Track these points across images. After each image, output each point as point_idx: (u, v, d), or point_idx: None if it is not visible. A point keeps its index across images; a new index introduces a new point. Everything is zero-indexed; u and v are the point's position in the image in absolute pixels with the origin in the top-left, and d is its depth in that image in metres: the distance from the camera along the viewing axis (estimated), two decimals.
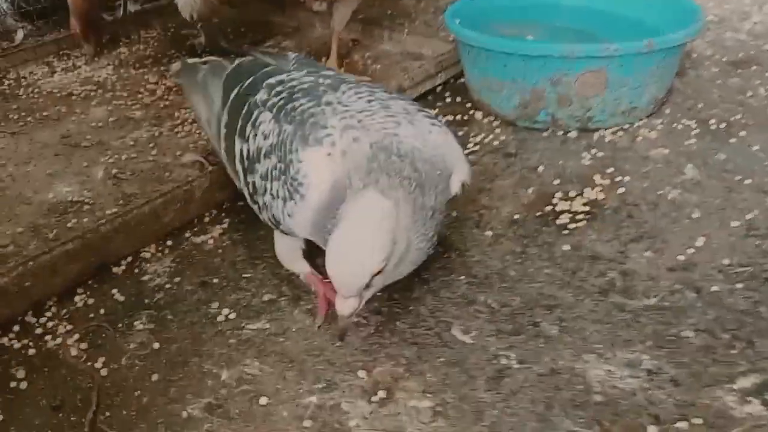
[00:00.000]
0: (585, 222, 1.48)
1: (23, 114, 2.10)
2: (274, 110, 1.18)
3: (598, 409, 1.07)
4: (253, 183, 1.20)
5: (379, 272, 1.01)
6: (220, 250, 1.46)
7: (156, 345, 1.23)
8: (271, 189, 1.16)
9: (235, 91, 1.28)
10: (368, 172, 1.05)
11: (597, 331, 1.21)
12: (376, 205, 1.01)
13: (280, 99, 1.18)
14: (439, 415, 1.07)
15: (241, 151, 1.21)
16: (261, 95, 1.21)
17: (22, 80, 2.37)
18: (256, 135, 1.18)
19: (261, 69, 1.30)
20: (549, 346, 1.18)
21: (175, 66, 1.60)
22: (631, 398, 1.07)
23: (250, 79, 1.27)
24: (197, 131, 1.93)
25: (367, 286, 1.03)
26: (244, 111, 1.22)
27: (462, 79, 2.16)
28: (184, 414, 1.10)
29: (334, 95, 1.18)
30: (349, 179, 1.06)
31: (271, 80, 1.24)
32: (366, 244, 1.00)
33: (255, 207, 1.23)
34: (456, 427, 1.05)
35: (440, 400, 1.10)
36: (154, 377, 1.17)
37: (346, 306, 1.04)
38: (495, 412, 1.07)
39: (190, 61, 1.53)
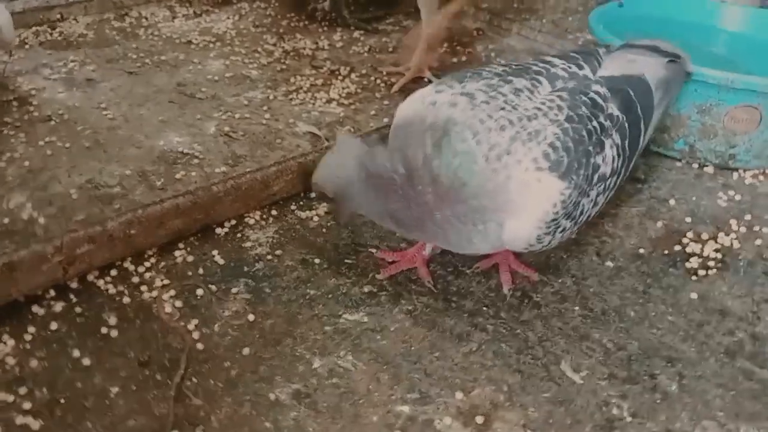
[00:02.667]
0: (716, 271, 1.36)
1: (141, 55, 2.10)
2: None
3: None
4: None
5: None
6: (323, 230, 1.41)
7: (251, 317, 1.19)
8: None
9: None
10: (408, 142, 1.09)
11: (720, 396, 1.10)
12: (356, 151, 1.13)
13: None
14: None
15: None
16: None
17: (143, 20, 2.38)
18: None
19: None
20: (666, 404, 1.08)
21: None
22: None
23: None
24: (311, 100, 1.88)
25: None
26: None
27: None
28: (272, 396, 1.05)
29: (522, 82, 1.15)
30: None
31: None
32: (322, 167, 1.18)
33: None
34: None
35: None
36: (246, 351, 1.12)
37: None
38: None
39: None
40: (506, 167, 1.04)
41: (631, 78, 1.26)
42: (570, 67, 1.21)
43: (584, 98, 1.14)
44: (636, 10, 2.00)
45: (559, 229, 1.10)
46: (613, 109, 1.17)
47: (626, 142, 1.18)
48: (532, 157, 1.05)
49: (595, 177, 1.11)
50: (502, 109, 1.08)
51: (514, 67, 1.20)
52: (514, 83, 1.13)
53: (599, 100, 1.16)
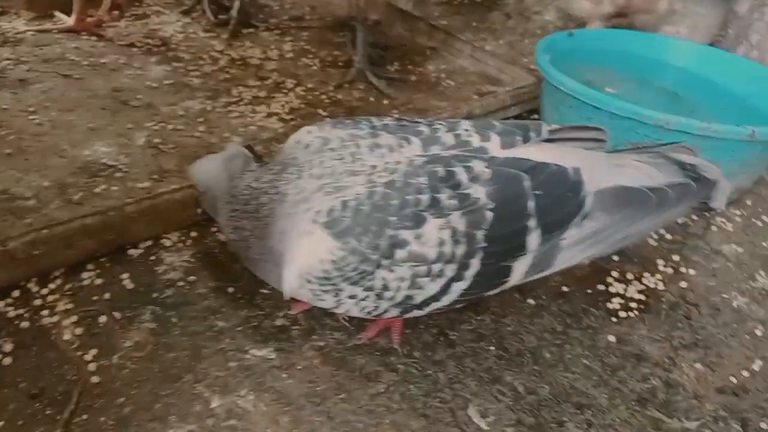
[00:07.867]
0: (637, 313, 1.35)
1: (80, 57, 2.04)
2: None
3: None
4: None
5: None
6: None
7: (153, 349, 1.14)
8: None
9: None
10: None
11: None
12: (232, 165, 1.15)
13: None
14: None
15: None
16: None
17: (88, 19, 2.30)
18: None
19: None
20: None
21: None
22: None
23: None
24: (251, 114, 1.84)
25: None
26: None
27: (536, 116, 2.02)
28: None
29: (390, 139, 1.08)
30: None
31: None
32: (203, 162, 1.21)
33: None
34: None
35: None
36: (143, 386, 1.08)
37: None
38: None
39: None
40: (297, 214, 1.02)
41: (542, 167, 1.05)
42: (469, 136, 1.07)
43: (439, 169, 1.01)
44: (586, 42, 2.00)
45: (345, 294, 1.01)
46: (477, 191, 1.00)
47: (481, 231, 1.00)
48: (317, 209, 1.01)
49: (398, 252, 0.98)
50: (341, 159, 1.05)
51: (405, 122, 1.12)
52: (379, 139, 1.07)
53: (460, 177, 1.00)
